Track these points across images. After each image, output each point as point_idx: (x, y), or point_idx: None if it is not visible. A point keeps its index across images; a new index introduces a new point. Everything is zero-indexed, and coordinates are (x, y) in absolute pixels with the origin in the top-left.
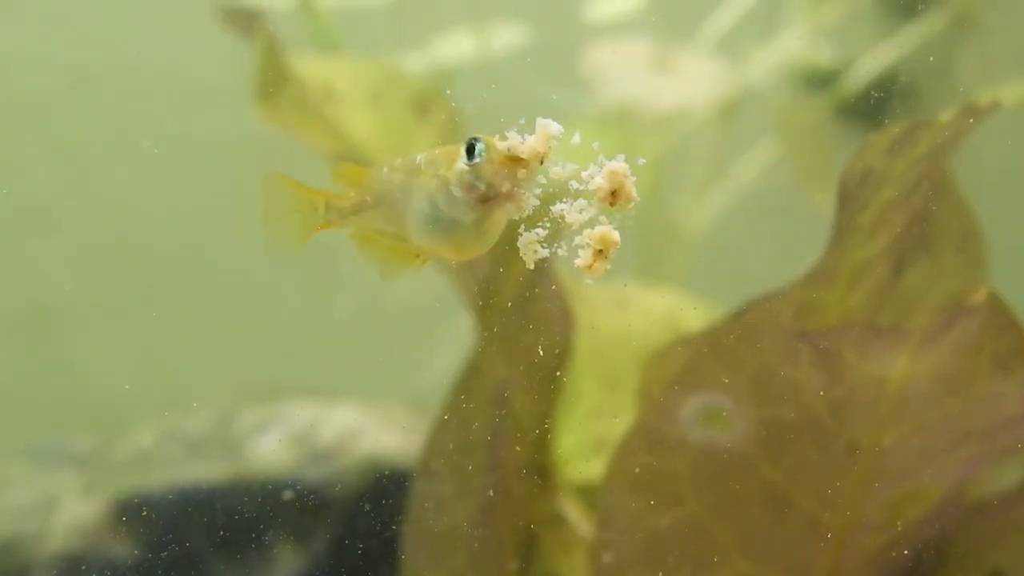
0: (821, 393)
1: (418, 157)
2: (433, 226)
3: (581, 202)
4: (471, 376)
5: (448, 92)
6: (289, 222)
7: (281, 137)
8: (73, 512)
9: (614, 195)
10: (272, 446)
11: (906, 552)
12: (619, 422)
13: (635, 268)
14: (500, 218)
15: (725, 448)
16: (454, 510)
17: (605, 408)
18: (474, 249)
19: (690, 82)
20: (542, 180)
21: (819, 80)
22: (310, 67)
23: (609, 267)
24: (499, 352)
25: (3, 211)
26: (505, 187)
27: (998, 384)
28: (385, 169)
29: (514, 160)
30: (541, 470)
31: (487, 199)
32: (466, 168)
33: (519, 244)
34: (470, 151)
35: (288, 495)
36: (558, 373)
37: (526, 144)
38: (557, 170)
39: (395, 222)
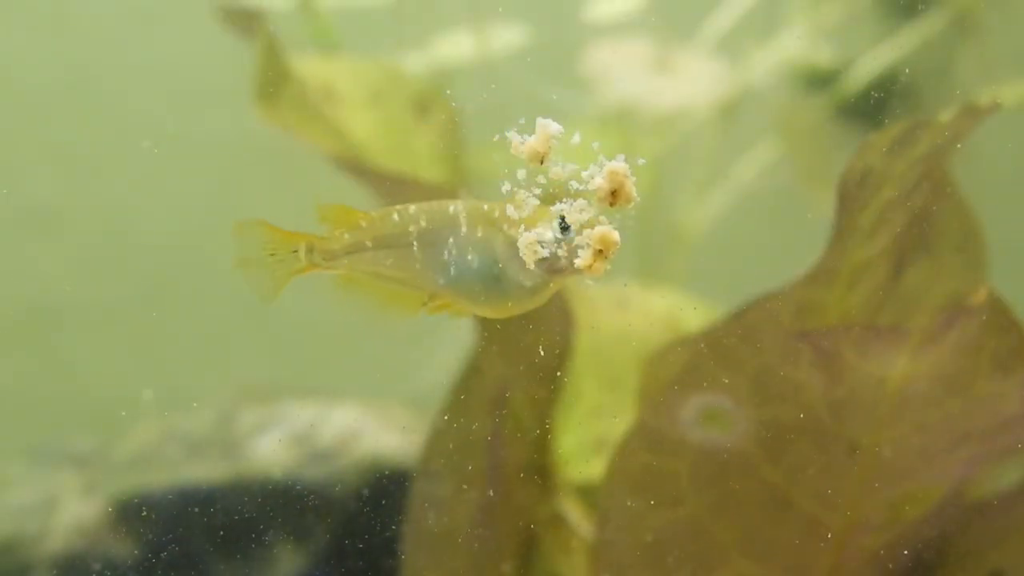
0: (821, 393)
1: (450, 207)
2: (484, 284)
3: (581, 202)
4: (471, 376)
5: (448, 92)
6: (265, 268)
7: (281, 137)
8: (73, 512)
9: (614, 195)
10: (272, 446)
11: (906, 552)
12: (619, 422)
13: (635, 268)
14: (558, 285)
15: (725, 448)
16: (454, 510)
17: (605, 408)
18: (518, 310)
19: (690, 82)
20: (542, 180)
21: (819, 80)
22: (310, 67)
23: (609, 267)
24: (499, 352)
25: (3, 211)
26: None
27: (998, 384)
28: (396, 214)
29: (608, 240)
30: (541, 470)
31: (562, 271)
32: (553, 239)
33: (519, 244)
34: (564, 224)
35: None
36: (558, 373)
37: (526, 144)
38: (557, 170)
39: (407, 268)
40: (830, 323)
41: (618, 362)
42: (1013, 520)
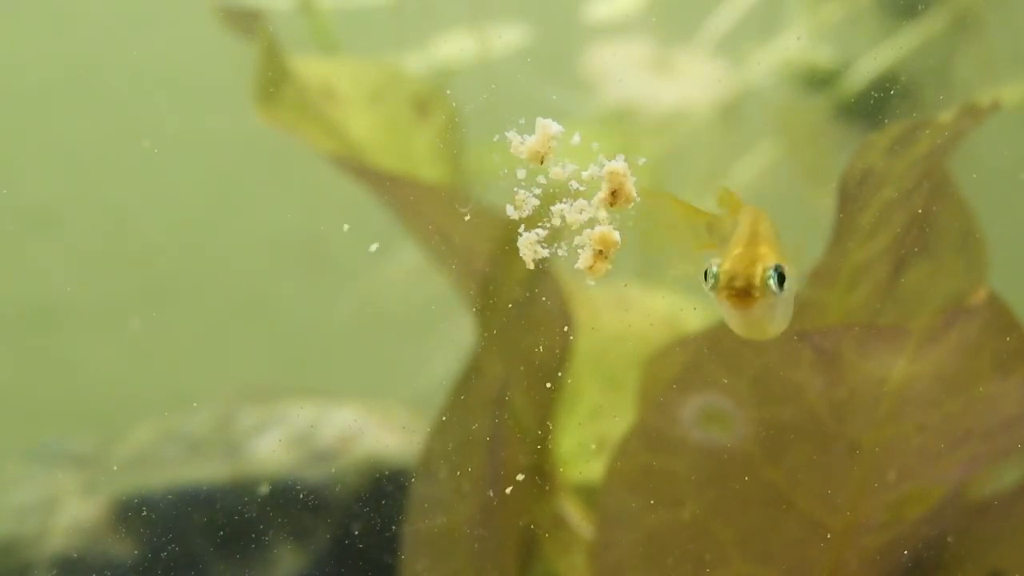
0: (821, 393)
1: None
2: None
3: (581, 202)
4: (471, 376)
5: (448, 92)
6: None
7: (281, 137)
8: (73, 512)
9: (614, 195)
10: (272, 446)
11: (906, 552)
12: (619, 422)
13: (635, 268)
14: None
15: (725, 448)
16: (454, 511)
17: (605, 408)
18: (770, 332)
19: (690, 83)
20: (542, 180)
21: (819, 80)
22: (310, 67)
23: (610, 267)
24: (499, 352)
25: (3, 211)
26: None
27: (998, 384)
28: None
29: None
30: (541, 471)
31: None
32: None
33: (519, 244)
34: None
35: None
36: (558, 373)
37: (526, 144)
38: (557, 170)
39: None
40: (830, 323)
41: (618, 362)
42: (1013, 520)
